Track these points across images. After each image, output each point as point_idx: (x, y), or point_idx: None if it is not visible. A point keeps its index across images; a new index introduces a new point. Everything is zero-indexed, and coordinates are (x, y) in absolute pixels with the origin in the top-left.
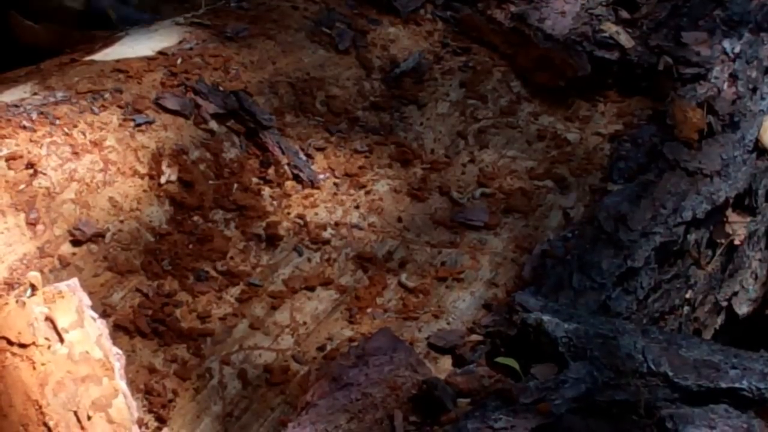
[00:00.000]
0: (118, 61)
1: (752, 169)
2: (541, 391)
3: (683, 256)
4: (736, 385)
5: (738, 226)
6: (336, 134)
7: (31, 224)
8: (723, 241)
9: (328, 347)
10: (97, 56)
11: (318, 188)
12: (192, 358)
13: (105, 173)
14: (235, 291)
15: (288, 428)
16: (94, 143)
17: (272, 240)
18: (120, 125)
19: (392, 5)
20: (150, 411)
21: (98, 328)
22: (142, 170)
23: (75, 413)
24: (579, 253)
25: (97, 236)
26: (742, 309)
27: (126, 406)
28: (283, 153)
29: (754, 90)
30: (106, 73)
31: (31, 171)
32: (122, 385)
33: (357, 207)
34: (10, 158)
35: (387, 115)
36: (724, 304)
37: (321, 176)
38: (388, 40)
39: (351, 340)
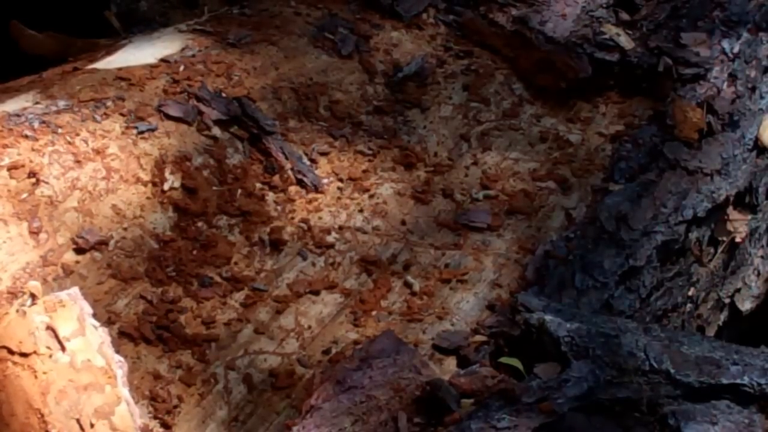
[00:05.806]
0: (120, 68)
1: (752, 168)
2: (543, 390)
3: (685, 254)
4: (738, 381)
5: (739, 224)
6: (339, 139)
7: (34, 233)
8: (724, 238)
9: (333, 351)
10: (100, 64)
11: (322, 192)
12: (197, 363)
13: (108, 181)
14: (239, 296)
15: None
16: (97, 151)
17: (276, 245)
18: (122, 133)
19: (395, 10)
20: (155, 417)
21: (100, 336)
22: (145, 177)
23: (78, 421)
24: (581, 253)
25: (101, 244)
26: (745, 305)
27: (129, 413)
28: (286, 158)
29: (753, 89)
30: (108, 81)
31: (33, 180)
32: (125, 392)
33: (361, 210)
34: (12, 167)
35: (390, 119)
36: (727, 301)
37: (325, 180)
38: (390, 45)
39: (356, 343)
